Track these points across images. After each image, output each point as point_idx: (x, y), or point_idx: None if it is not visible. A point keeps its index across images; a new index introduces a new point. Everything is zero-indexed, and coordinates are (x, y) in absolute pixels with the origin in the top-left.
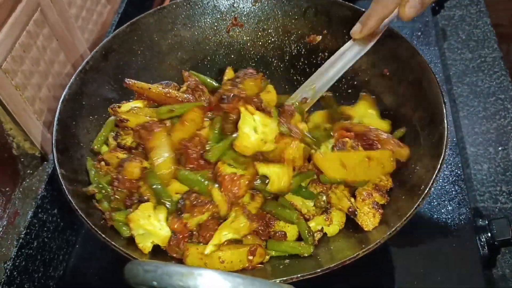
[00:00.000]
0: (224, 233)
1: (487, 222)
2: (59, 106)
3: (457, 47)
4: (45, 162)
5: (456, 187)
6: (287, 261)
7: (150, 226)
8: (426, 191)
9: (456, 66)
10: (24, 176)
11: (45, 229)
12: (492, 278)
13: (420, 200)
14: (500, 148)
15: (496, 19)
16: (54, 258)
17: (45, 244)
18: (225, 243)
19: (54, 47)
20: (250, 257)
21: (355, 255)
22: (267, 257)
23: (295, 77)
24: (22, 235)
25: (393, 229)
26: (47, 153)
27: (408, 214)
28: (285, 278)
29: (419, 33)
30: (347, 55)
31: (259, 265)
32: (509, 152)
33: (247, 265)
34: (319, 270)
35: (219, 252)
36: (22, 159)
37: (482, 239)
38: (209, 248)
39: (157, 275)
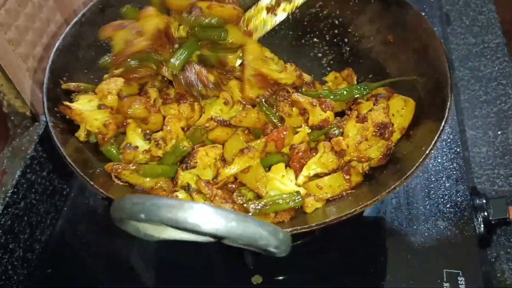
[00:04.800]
0: (313, 167)
1: (484, 201)
2: (51, 55)
3: (460, 32)
4: (36, 123)
5: (455, 164)
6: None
7: (285, 186)
8: (427, 152)
9: (458, 50)
10: (14, 135)
11: (33, 190)
12: (487, 258)
13: (420, 160)
14: (499, 132)
15: (504, 14)
16: (41, 221)
17: (32, 206)
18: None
19: (51, 6)
20: (347, 177)
21: (352, 211)
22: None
23: (295, 48)
24: (9, 194)
25: (392, 187)
26: (38, 114)
27: (408, 174)
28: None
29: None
30: None
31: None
32: (508, 136)
33: (347, 186)
34: (313, 224)
35: (316, 181)
36: (12, 118)
37: (479, 218)
38: (300, 179)
39: (145, 207)
